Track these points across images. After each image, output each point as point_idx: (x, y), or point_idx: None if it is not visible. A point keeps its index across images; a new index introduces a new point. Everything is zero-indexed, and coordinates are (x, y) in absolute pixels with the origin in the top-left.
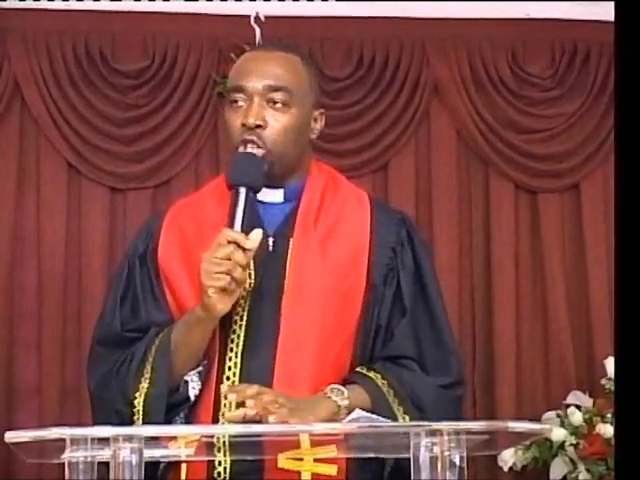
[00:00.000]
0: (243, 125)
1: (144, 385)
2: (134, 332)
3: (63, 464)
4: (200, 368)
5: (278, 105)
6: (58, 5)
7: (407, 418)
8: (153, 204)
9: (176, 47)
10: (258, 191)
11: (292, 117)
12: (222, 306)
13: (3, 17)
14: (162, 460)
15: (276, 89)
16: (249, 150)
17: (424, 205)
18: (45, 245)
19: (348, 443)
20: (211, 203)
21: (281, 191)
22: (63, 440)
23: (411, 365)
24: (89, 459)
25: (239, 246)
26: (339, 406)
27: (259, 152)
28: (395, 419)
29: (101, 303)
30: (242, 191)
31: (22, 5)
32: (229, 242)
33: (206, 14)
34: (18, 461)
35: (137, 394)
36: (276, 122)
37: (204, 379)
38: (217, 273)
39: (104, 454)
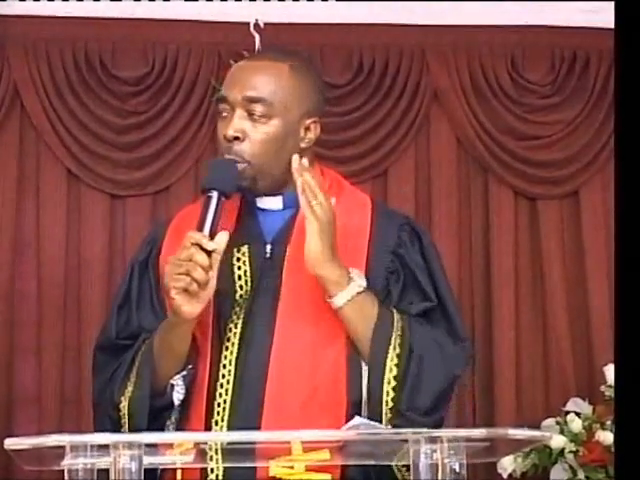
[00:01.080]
0: (224, 137)
1: (129, 389)
2: (127, 339)
3: (63, 471)
4: (184, 372)
5: (258, 117)
6: (58, 12)
7: (397, 351)
8: (153, 211)
9: (176, 54)
10: (229, 197)
11: (273, 128)
12: (188, 308)
13: (3, 24)
14: (161, 467)
15: (255, 100)
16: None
17: (423, 211)
18: (45, 252)
19: (347, 450)
20: None
21: (280, 198)
22: (63, 447)
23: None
24: (89, 466)
25: (201, 248)
26: (350, 281)
27: (240, 167)
28: (387, 347)
29: (101, 310)
30: (214, 195)
31: (22, 12)
32: (192, 244)
33: (206, 21)
34: (17, 468)
35: (122, 398)
36: (256, 134)
37: (189, 384)
38: (177, 274)
39: (104, 461)
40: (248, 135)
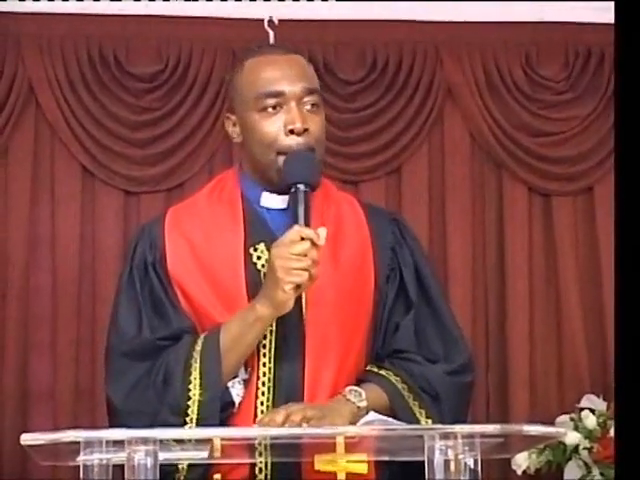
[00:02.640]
0: (291, 131)
1: (195, 392)
2: (166, 340)
3: (78, 467)
4: (246, 376)
5: (313, 108)
6: (72, 9)
7: (423, 412)
8: (167, 207)
9: (190, 50)
10: (315, 188)
11: (322, 119)
12: (292, 303)
13: (18, 22)
14: (185, 463)
15: (311, 92)
16: (301, 148)
17: (437, 208)
18: (59, 248)
19: (362, 446)
20: (211, 206)
21: (286, 197)
22: (78, 443)
23: (415, 358)
24: (104, 462)
25: (313, 243)
26: (359, 407)
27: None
28: (413, 415)
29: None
30: (301, 188)
31: (36, 9)
32: (302, 239)
33: (219, 17)
34: (33, 463)
35: (190, 402)
36: (314, 125)
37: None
38: (297, 269)
39: (119, 457)
40: (310, 127)
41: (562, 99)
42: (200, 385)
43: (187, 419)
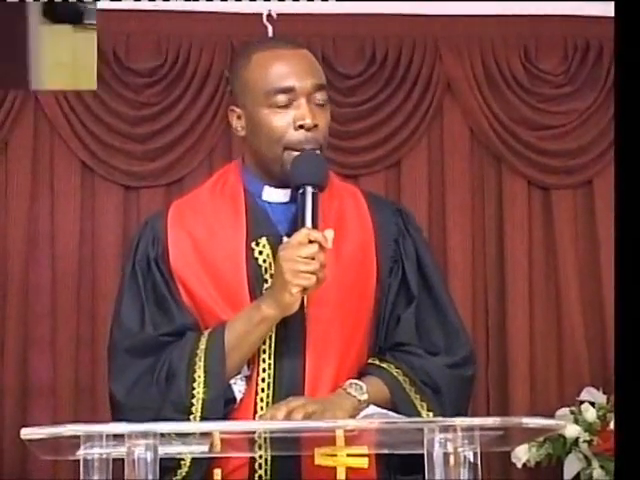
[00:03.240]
0: (301, 127)
1: (199, 390)
2: (169, 336)
3: (78, 462)
4: (248, 372)
5: (321, 104)
6: None
7: (425, 405)
8: (167, 202)
9: (189, 45)
10: (323, 189)
11: (328, 114)
12: (298, 305)
13: None
14: (186, 457)
15: (320, 87)
16: (310, 149)
17: (437, 202)
18: (59, 244)
19: (361, 439)
20: (213, 201)
21: (288, 191)
22: (78, 437)
23: (417, 351)
24: (104, 456)
25: (320, 246)
26: (359, 401)
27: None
28: (414, 408)
29: (114, 301)
30: (309, 190)
31: None
32: (310, 242)
33: (218, 12)
34: (33, 459)
35: (194, 400)
36: (322, 121)
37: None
38: (304, 272)
39: (119, 451)
40: (318, 122)
41: (561, 92)
42: (204, 383)
43: (191, 417)
